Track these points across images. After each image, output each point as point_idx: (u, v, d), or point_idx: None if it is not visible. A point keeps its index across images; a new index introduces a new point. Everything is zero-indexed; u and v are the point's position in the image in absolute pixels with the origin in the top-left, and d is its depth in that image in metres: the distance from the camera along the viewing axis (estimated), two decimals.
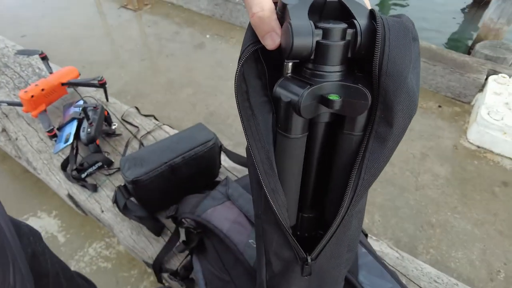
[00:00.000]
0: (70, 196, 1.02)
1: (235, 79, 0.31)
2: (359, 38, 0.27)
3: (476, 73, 2.04)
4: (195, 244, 0.71)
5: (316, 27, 0.26)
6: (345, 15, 0.27)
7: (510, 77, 1.96)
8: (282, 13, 0.27)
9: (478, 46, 2.44)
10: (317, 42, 0.26)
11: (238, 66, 0.30)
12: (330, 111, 0.30)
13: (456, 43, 3.53)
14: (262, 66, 0.31)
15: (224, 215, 0.67)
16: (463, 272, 1.40)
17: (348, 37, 0.27)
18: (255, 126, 0.32)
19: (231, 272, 0.65)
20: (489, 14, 2.99)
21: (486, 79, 2.02)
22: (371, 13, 0.27)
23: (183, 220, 0.76)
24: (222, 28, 2.81)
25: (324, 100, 0.27)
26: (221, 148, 0.91)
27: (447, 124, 2.01)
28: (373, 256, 0.62)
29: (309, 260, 0.36)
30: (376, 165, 0.31)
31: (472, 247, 1.47)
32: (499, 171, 1.76)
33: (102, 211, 0.95)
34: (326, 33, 0.26)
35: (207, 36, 2.72)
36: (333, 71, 0.28)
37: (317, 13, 0.27)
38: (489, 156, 1.83)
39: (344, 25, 0.26)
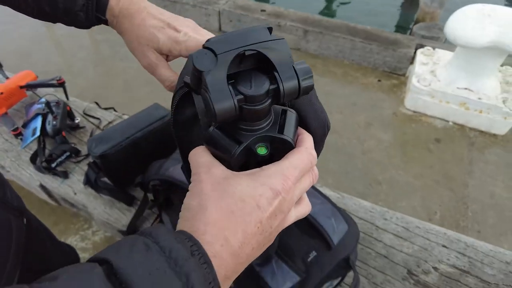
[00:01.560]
0: (42, 186, 1.09)
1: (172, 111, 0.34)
2: (282, 94, 0.26)
3: (406, 48, 2.28)
4: (162, 199, 0.83)
5: (237, 91, 0.25)
6: (267, 64, 0.27)
7: (434, 49, 2.22)
8: (198, 75, 0.25)
9: (415, 28, 2.72)
10: (240, 107, 0.26)
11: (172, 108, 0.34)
12: None
13: (401, 27, 3.87)
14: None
15: None
16: None
17: (271, 93, 0.27)
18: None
19: None
20: None
21: (415, 52, 2.27)
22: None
23: (150, 184, 0.87)
24: None
25: (252, 153, 0.28)
26: None
27: (387, 95, 2.23)
28: None
29: None
30: None
31: (414, 196, 1.68)
32: (432, 130, 2.00)
33: (75, 193, 1.03)
34: (248, 99, 0.26)
35: None
36: (260, 126, 0.28)
37: (237, 61, 0.26)
38: (423, 118, 2.07)
39: (265, 88, 0.26)
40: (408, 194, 1.69)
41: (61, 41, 2.78)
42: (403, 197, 1.68)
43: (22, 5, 0.44)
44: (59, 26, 0.46)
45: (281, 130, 0.28)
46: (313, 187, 0.77)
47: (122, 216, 0.98)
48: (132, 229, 0.93)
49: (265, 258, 0.67)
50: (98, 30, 2.92)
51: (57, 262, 0.83)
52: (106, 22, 0.44)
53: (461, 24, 1.69)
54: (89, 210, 1.03)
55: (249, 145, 0.27)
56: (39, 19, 0.46)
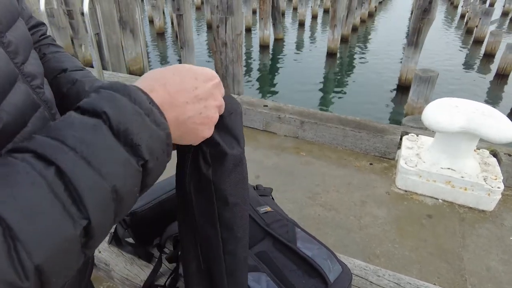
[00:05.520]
0: None
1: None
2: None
3: (392, 135, 2.57)
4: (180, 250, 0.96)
5: None
6: None
7: (417, 136, 2.50)
8: None
9: (404, 120, 3.10)
10: None
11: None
12: None
13: (393, 120, 4.37)
14: None
15: None
16: None
17: None
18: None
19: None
20: (410, 96, 3.84)
21: (401, 139, 2.55)
22: None
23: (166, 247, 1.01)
24: None
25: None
26: None
27: (379, 177, 2.43)
28: (305, 232, 0.91)
29: None
30: None
31: (412, 268, 1.75)
32: (424, 207, 2.14)
33: (100, 252, 1.15)
34: None
35: None
36: None
37: None
38: (414, 197, 2.23)
39: None
40: (406, 266, 1.76)
41: None
42: (401, 269, 1.74)
43: None
44: None
45: None
46: (311, 236, 0.91)
47: (141, 272, 1.09)
48: (148, 284, 1.03)
49: None
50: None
51: None
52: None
53: (433, 114, 1.99)
54: (110, 267, 1.14)
55: None
56: None
